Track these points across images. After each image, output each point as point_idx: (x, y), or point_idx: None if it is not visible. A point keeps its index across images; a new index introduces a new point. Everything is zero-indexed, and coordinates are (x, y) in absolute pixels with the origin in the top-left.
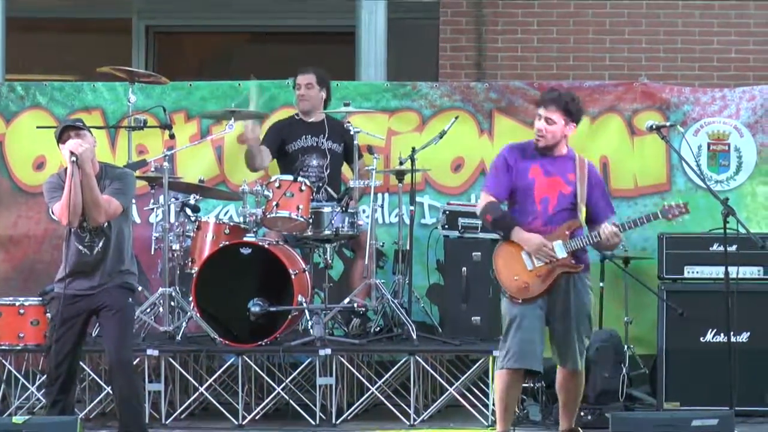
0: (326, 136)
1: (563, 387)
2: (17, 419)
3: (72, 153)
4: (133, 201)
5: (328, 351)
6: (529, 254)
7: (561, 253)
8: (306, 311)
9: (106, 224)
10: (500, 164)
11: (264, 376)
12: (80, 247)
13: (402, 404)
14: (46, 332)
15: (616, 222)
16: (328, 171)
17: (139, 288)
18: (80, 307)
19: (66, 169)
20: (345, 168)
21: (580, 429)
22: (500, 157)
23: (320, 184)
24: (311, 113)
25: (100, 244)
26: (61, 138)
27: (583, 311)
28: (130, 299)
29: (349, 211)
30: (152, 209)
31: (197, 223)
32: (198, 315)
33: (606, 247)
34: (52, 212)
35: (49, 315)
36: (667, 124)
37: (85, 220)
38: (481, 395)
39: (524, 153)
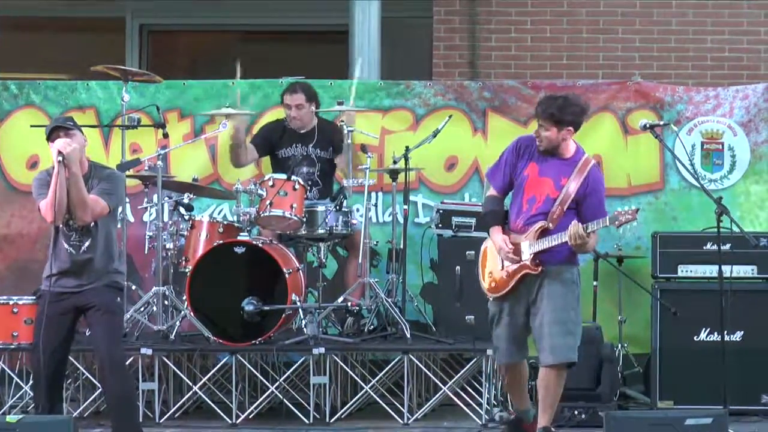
0: (314, 143)
1: (540, 382)
2: (11, 418)
3: (59, 152)
4: (127, 200)
5: (322, 350)
6: None
7: (525, 254)
8: (300, 310)
9: (93, 224)
10: (503, 158)
11: (258, 375)
12: (67, 246)
13: (396, 403)
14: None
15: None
16: (319, 176)
17: (133, 287)
18: (66, 304)
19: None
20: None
21: (553, 429)
22: (507, 149)
23: (309, 184)
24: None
25: (87, 244)
26: (50, 137)
27: (559, 304)
28: (118, 298)
29: (343, 210)
30: (146, 208)
31: (191, 221)
32: (192, 314)
33: (575, 248)
34: (39, 209)
35: None
36: (661, 123)
37: (72, 219)
38: (474, 394)
39: (528, 149)
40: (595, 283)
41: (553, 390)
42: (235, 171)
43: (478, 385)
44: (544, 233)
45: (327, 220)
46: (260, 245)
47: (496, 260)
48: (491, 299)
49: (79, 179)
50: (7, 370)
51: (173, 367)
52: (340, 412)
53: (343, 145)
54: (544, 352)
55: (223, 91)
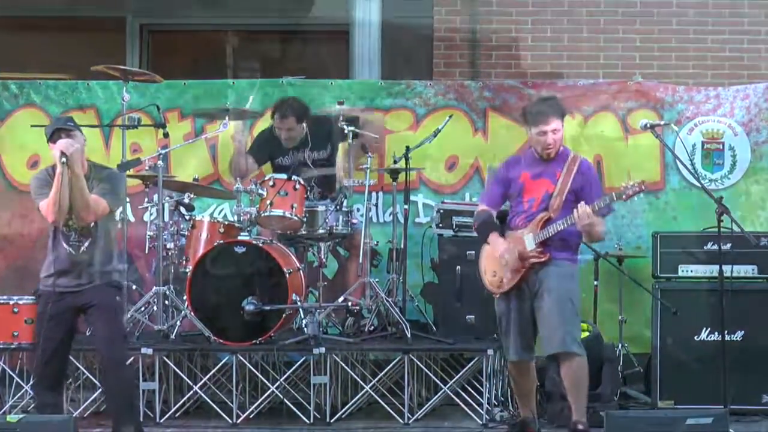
0: (310, 147)
1: (564, 376)
2: (11, 418)
3: (62, 153)
4: (127, 200)
5: (323, 349)
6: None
7: (530, 245)
8: (300, 310)
9: (92, 224)
10: (496, 177)
11: (258, 374)
12: (66, 246)
13: (396, 403)
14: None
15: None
16: (317, 181)
17: (134, 287)
18: (66, 303)
19: (54, 166)
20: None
21: (580, 426)
22: (498, 170)
23: (309, 189)
24: None
25: (86, 244)
26: (51, 138)
27: (558, 295)
28: (118, 297)
29: (343, 209)
30: (146, 208)
31: (191, 221)
32: (192, 313)
33: (585, 232)
34: (38, 209)
35: None
36: (662, 122)
37: (71, 219)
38: (475, 394)
39: (516, 164)
40: (595, 282)
41: (577, 380)
42: None
43: (478, 385)
44: (546, 223)
45: (327, 220)
46: (261, 245)
47: (496, 259)
48: (498, 297)
49: (81, 180)
50: (8, 369)
51: (174, 366)
52: (341, 412)
53: (336, 138)
54: (555, 339)
55: (224, 90)
